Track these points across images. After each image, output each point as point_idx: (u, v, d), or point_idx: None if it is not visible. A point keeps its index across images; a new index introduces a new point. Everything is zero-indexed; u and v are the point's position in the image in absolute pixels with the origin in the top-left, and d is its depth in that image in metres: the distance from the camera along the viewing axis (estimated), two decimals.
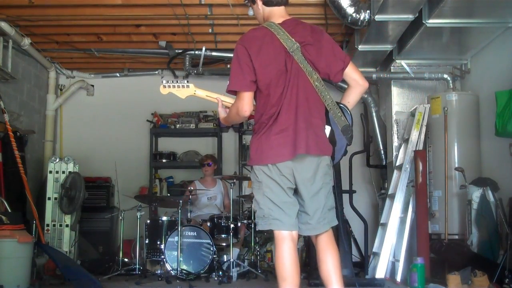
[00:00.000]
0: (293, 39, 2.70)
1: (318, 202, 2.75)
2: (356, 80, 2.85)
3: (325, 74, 2.79)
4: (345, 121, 2.76)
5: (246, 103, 2.70)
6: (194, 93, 3.05)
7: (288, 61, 2.70)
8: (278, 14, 2.83)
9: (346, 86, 2.97)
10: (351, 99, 2.89)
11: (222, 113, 2.98)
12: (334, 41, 2.88)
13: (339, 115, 2.75)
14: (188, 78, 7.07)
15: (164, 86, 3.04)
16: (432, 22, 4.68)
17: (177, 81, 3.03)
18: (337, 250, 2.79)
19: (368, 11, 4.84)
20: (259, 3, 2.87)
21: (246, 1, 2.99)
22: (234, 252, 5.47)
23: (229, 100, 2.96)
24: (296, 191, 2.78)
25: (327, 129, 2.79)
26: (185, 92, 3.05)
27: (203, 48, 6.36)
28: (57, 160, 5.95)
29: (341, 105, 2.84)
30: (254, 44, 2.70)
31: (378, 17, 4.72)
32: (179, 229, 5.25)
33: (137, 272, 5.18)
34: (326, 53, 2.77)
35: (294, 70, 2.70)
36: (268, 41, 2.71)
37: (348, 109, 2.86)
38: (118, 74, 7.44)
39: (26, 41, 5.89)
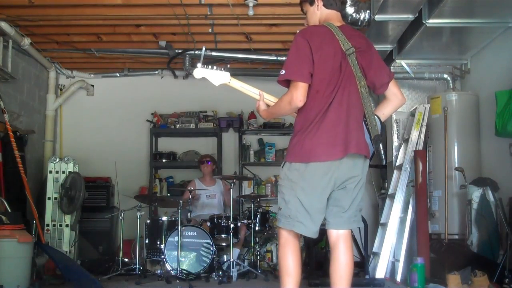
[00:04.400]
0: (349, 43, 2.74)
1: (355, 200, 2.78)
2: (395, 95, 2.89)
3: (371, 83, 2.85)
4: (378, 131, 2.78)
5: (301, 94, 2.66)
6: (229, 82, 2.98)
7: (344, 63, 2.73)
8: (336, 18, 2.88)
9: None
10: (386, 111, 2.93)
11: (263, 106, 2.93)
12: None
13: (374, 124, 2.78)
14: (188, 78, 7.11)
15: (200, 68, 2.98)
16: (432, 22, 4.68)
17: (213, 66, 2.97)
18: (353, 256, 2.82)
19: (368, 11, 4.84)
20: (320, 3, 2.89)
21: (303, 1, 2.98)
22: (234, 252, 5.46)
23: (268, 97, 2.93)
24: (331, 192, 2.76)
25: None
26: (220, 78, 2.97)
27: (203, 48, 6.26)
28: (57, 160, 5.95)
29: (376, 116, 2.86)
30: (316, 38, 2.71)
31: (378, 17, 4.72)
32: (179, 229, 5.25)
33: (137, 272, 5.18)
34: (376, 64, 2.84)
35: (347, 72, 2.73)
36: (329, 39, 2.73)
37: (381, 121, 2.88)
38: (118, 74, 7.43)
39: (26, 41, 5.89)
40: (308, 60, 2.66)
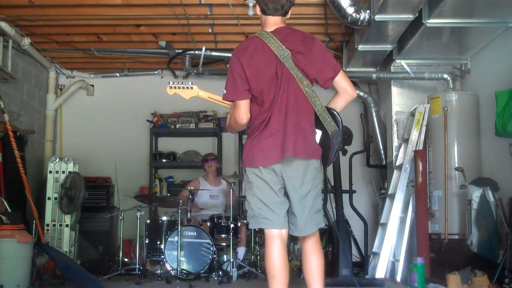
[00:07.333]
0: (284, 47, 2.80)
1: (305, 204, 2.84)
2: (345, 89, 2.91)
3: (314, 81, 2.88)
4: (334, 126, 2.85)
5: (242, 111, 2.82)
6: (198, 95, 3.20)
7: (279, 68, 2.79)
8: (272, 22, 2.93)
9: None
10: (338, 106, 2.96)
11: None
12: (327, 50, 3.04)
13: (329, 120, 2.84)
14: (188, 78, 7.11)
15: (171, 87, 3.21)
16: (432, 22, 4.68)
17: (182, 83, 3.20)
18: (322, 253, 2.90)
19: (368, 11, 4.84)
20: (258, 10, 2.98)
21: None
22: (240, 251, 5.53)
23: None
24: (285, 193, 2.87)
25: (318, 133, 2.88)
26: (189, 93, 3.22)
27: (203, 48, 6.36)
28: (57, 160, 5.95)
29: (332, 111, 2.91)
30: (246, 54, 2.82)
31: (378, 17, 4.72)
32: (179, 229, 5.25)
33: (137, 272, 5.18)
34: (317, 61, 2.85)
35: (285, 76, 2.79)
36: (259, 50, 2.82)
37: (338, 114, 2.93)
38: (118, 74, 7.43)
39: (26, 41, 5.89)
40: (240, 78, 2.78)
